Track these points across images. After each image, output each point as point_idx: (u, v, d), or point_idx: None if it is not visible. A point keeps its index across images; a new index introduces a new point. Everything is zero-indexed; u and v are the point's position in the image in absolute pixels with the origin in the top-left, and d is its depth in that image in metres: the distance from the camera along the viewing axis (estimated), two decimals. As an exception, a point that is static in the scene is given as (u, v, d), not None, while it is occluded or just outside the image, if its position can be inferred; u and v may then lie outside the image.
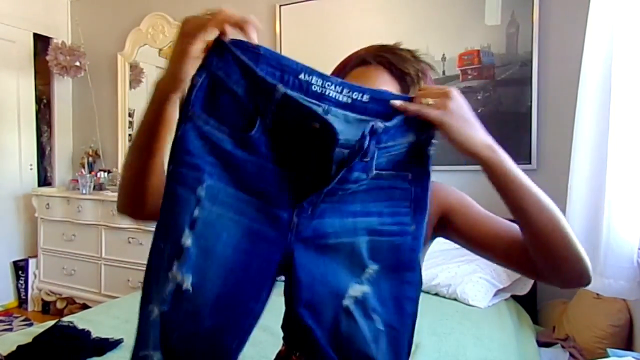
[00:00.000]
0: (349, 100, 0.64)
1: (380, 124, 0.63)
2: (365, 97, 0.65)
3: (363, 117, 0.64)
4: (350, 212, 0.66)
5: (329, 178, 0.62)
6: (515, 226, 0.73)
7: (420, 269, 0.69)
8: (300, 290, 0.63)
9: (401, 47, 0.86)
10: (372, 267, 0.66)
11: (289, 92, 0.62)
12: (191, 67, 0.61)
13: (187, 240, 0.59)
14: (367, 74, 0.81)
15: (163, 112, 0.67)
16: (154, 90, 0.66)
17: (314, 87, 0.63)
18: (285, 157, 0.63)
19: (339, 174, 0.62)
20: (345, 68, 0.86)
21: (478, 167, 0.67)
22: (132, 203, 0.76)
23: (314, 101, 0.63)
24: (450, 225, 0.85)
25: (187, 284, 0.60)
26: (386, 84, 0.80)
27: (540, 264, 0.70)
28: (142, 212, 0.76)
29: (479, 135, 0.71)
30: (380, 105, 0.65)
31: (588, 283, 0.70)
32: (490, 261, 0.85)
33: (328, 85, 0.63)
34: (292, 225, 0.63)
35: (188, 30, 0.61)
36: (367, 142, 0.61)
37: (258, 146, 0.62)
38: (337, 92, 0.63)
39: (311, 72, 0.63)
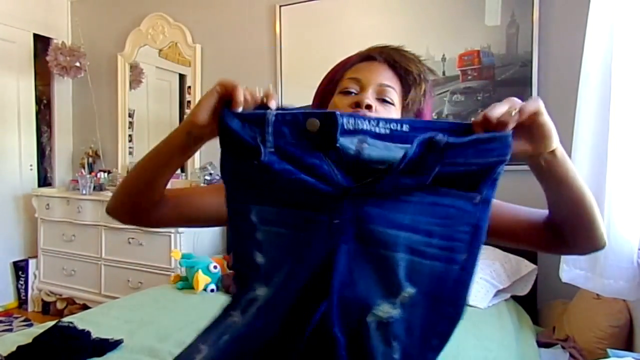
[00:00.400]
0: (388, 131, 0.62)
1: (442, 137, 0.57)
2: (405, 127, 0.62)
3: (408, 146, 0.59)
4: (396, 223, 0.61)
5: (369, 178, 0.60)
6: (524, 207, 0.82)
7: (464, 305, 0.63)
8: (331, 295, 0.60)
9: (404, 48, 0.86)
10: (409, 291, 0.61)
11: (280, 111, 0.64)
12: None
13: (259, 258, 0.67)
14: (371, 68, 0.81)
15: (191, 146, 0.73)
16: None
17: (347, 126, 0.62)
18: (307, 166, 0.62)
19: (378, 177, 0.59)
20: (346, 65, 0.86)
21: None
22: (127, 211, 0.82)
23: (348, 137, 0.62)
24: None
25: (261, 292, 0.65)
26: (389, 80, 0.80)
27: (567, 239, 0.74)
28: (131, 219, 0.82)
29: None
30: (422, 133, 0.59)
31: (604, 247, 0.75)
32: (507, 245, 0.85)
33: (361, 122, 0.62)
34: (334, 227, 0.61)
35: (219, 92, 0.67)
36: (414, 150, 0.57)
37: (272, 167, 0.62)
38: (373, 125, 0.62)
39: (342, 114, 0.62)
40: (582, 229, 0.72)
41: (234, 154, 0.65)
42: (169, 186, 0.82)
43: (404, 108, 0.83)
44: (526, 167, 0.70)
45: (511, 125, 0.59)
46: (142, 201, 0.78)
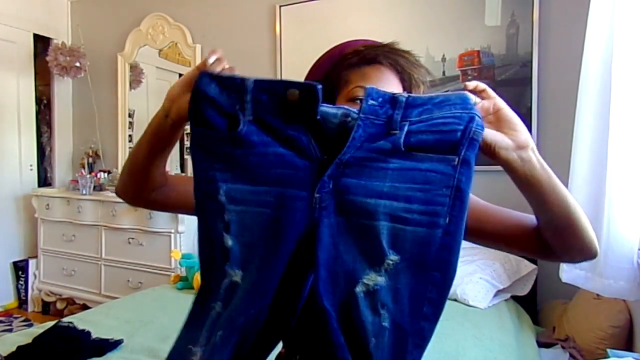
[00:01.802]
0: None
1: (403, 94, 0.61)
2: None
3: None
4: (375, 192, 0.61)
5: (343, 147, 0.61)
6: (515, 212, 0.78)
7: (451, 271, 0.63)
8: (318, 269, 0.60)
9: (401, 47, 0.86)
10: (392, 258, 0.61)
11: (259, 77, 0.64)
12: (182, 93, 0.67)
13: (228, 241, 0.64)
14: (379, 75, 0.81)
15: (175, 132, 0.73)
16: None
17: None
18: (285, 138, 0.62)
19: (352, 142, 0.60)
20: (340, 65, 0.85)
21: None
22: (133, 191, 0.85)
23: (333, 109, 0.63)
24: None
25: (238, 278, 0.63)
26: (395, 87, 0.81)
27: (554, 247, 0.72)
28: (140, 200, 0.86)
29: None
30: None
31: (595, 256, 0.74)
32: (497, 249, 0.83)
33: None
34: (315, 202, 0.61)
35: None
36: (379, 108, 0.60)
37: (249, 138, 0.62)
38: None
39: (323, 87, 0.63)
40: (568, 237, 0.71)
41: (206, 125, 0.63)
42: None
43: None
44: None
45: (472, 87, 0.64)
46: (141, 184, 0.82)
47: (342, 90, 0.83)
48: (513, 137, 0.64)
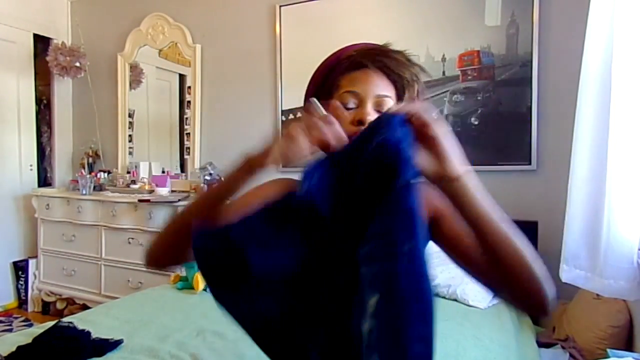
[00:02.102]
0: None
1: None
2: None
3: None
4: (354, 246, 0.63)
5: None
6: None
7: (430, 301, 0.59)
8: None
9: (393, 48, 0.86)
10: (373, 299, 0.59)
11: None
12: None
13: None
14: (366, 79, 0.81)
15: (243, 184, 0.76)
16: (245, 162, 0.76)
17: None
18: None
19: None
20: (336, 69, 0.86)
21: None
22: (170, 259, 0.82)
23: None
24: (437, 230, 0.82)
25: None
26: (385, 88, 0.81)
27: (498, 282, 0.69)
28: (170, 264, 0.84)
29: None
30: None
31: (546, 309, 0.66)
32: (466, 274, 0.77)
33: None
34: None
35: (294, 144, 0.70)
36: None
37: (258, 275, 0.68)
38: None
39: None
40: (510, 277, 0.65)
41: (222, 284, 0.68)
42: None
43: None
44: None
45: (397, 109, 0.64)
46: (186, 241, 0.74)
47: (335, 96, 0.83)
48: (440, 167, 0.64)
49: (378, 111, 0.80)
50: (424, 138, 0.63)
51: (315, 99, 0.71)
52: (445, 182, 0.64)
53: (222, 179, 0.77)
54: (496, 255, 0.65)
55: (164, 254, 0.81)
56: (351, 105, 0.81)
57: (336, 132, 0.67)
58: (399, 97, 0.83)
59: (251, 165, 0.74)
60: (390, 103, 0.81)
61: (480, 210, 0.64)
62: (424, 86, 0.87)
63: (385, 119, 0.63)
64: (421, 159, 0.63)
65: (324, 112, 0.70)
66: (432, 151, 0.63)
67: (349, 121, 0.80)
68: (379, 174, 0.61)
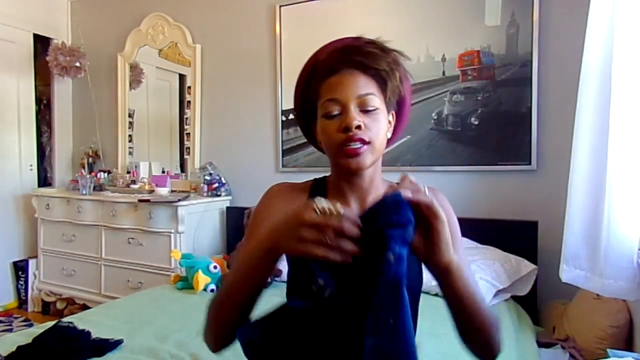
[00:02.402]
0: None
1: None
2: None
3: None
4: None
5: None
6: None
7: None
8: None
9: (365, 40, 0.84)
10: None
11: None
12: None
13: None
14: (343, 82, 0.81)
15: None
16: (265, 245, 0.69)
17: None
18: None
19: None
20: (313, 81, 0.85)
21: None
22: (223, 345, 0.82)
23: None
24: None
25: None
26: (365, 86, 0.81)
27: (463, 334, 0.77)
28: (226, 346, 0.82)
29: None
30: None
31: None
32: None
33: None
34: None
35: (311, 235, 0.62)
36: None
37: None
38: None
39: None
40: (472, 343, 0.77)
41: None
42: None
43: (387, 103, 0.84)
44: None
45: (409, 193, 0.64)
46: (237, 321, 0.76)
47: (319, 105, 0.84)
48: (434, 255, 0.66)
49: (363, 111, 0.80)
50: (423, 224, 0.64)
51: (320, 199, 0.63)
52: (436, 268, 0.68)
53: (239, 269, 0.75)
54: (466, 325, 0.74)
55: (215, 344, 0.83)
56: (335, 112, 0.80)
57: (349, 247, 0.62)
58: (382, 89, 0.83)
59: (267, 255, 0.69)
60: (374, 100, 0.81)
61: (463, 294, 0.70)
62: (405, 70, 0.86)
63: (388, 203, 0.63)
64: (416, 241, 0.65)
65: (337, 210, 0.62)
66: (429, 239, 0.65)
67: (335, 129, 0.80)
68: (376, 249, 0.61)
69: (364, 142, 0.79)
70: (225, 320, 0.77)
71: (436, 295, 2.00)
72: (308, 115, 0.89)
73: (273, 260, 0.68)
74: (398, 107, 0.90)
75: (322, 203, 0.62)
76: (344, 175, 0.87)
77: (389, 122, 0.87)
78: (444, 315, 0.74)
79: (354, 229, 0.61)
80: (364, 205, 0.88)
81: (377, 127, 0.81)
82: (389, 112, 0.86)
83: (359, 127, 0.78)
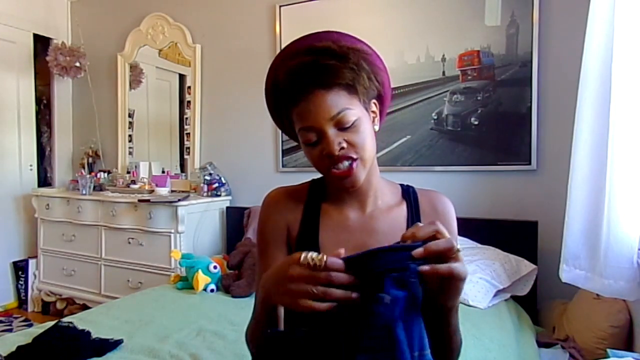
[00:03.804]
0: None
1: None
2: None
3: None
4: None
5: None
6: None
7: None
8: None
9: (319, 49, 0.77)
10: None
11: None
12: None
13: None
14: (312, 108, 0.75)
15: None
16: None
17: None
18: None
19: None
20: (281, 105, 0.82)
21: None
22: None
23: None
24: None
25: None
26: (336, 103, 0.75)
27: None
28: None
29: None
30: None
31: None
32: None
33: None
34: None
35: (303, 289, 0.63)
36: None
37: None
38: None
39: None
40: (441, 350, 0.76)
41: None
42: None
43: (364, 102, 0.80)
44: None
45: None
46: None
47: (296, 130, 0.81)
48: (441, 301, 0.67)
49: (342, 129, 0.76)
50: (440, 274, 0.62)
51: (308, 253, 0.63)
52: (441, 309, 0.70)
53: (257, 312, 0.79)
54: (440, 344, 0.74)
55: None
56: (314, 139, 0.77)
57: (337, 294, 0.62)
58: (354, 94, 0.78)
59: (265, 305, 0.74)
60: (349, 114, 0.76)
61: (453, 324, 0.75)
62: (372, 59, 0.82)
63: (400, 257, 0.61)
64: (431, 286, 0.63)
65: (322, 261, 0.62)
66: (443, 289, 0.65)
67: (318, 156, 0.77)
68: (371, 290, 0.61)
69: (352, 159, 0.77)
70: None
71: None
72: (287, 127, 0.86)
73: (273, 308, 0.72)
74: (378, 91, 0.84)
75: (308, 256, 0.62)
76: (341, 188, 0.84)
77: (373, 112, 0.84)
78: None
79: (343, 276, 0.61)
80: (365, 209, 0.87)
81: (361, 138, 0.77)
82: (369, 104, 0.82)
83: (342, 148, 0.76)
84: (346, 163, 0.77)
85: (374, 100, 0.84)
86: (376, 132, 0.84)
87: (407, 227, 0.85)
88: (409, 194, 0.91)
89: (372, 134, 0.81)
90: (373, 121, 0.83)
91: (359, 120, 0.77)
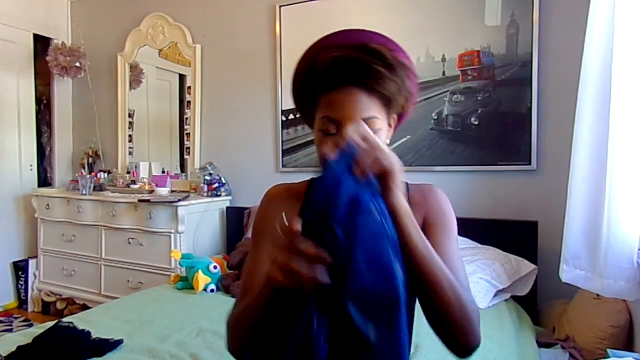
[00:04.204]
0: None
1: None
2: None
3: None
4: None
5: None
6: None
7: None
8: None
9: (372, 50, 0.76)
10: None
11: None
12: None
13: None
14: (344, 103, 0.75)
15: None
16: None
17: None
18: None
19: None
20: (311, 85, 0.81)
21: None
22: (248, 350, 0.81)
23: None
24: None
25: None
26: (367, 108, 0.75)
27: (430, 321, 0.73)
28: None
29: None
30: None
31: (469, 352, 0.72)
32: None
33: None
34: None
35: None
36: None
37: None
38: None
39: None
40: (439, 328, 0.72)
41: None
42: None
43: (389, 117, 0.81)
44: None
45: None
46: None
47: (316, 116, 0.81)
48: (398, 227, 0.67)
49: None
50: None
51: (284, 218, 0.64)
52: (407, 250, 0.67)
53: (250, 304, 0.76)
54: (429, 299, 0.69)
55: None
56: (333, 130, 0.77)
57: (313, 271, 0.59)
58: (386, 107, 0.79)
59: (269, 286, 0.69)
60: (375, 122, 0.76)
61: (430, 272, 0.68)
62: (412, 79, 0.81)
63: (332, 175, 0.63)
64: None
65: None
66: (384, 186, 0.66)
67: (329, 149, 0.76)
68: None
69: None
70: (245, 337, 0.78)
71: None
72: (306, 111, 0.86)
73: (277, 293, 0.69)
74: (403, 110, 0.85)
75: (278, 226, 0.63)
76: None
77: (390, 125, 0.84)
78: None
79: (306, 246, 0.59)
80: None
81: None
82: (392, 118, 0.83)
83: None
84: None
85: (395, 115, 0.85)
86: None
87: None
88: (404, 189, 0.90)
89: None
90: (388, 137, 0.84)
91: (380, 131, 0.78)
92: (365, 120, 0.75)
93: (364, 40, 0.79)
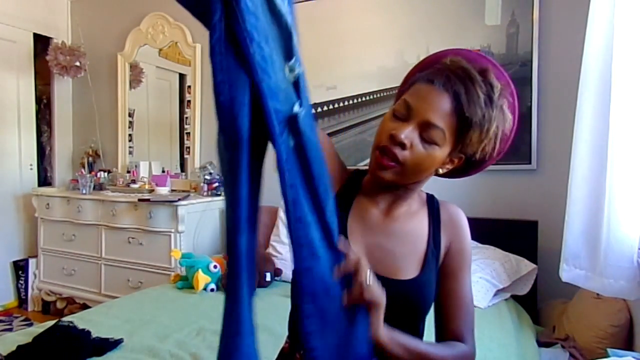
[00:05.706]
0: None
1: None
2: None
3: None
4: None
5: None
6: (461, 312, 0.93)
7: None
8: None
9: (480, 71, 0.77)
10: None
11: None
12: None
13: None
14: (427, 98, 0.75)
15: None
16: None
17: None
18: None
19: None
20: (415, 74, 0.83)
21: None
22: None
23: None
24: (443, 260, 0.91)
25: None
26: (442, 118, 0.74)
27: None
28: None
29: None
30: None
31: None
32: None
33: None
34: None
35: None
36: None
37: None
38: None
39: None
40: None
41: None
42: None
43: (455, 148, 0.79)
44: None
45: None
46: None
47: (402, 96, 0.81)
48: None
49: (421, 136, 0.75)
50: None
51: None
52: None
53: None
54: None
55: None
56: (402, 115, 0.77)
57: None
58: (459, 132, 0.76)
59: None
60: (437, 135, 0.75)
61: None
62: (505, 131, 0.79)
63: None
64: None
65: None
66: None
67: (388, 129, 0.77)
68: None
69: (397, 160, 0.76)
70: None
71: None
72: (399, 96, 0.86)
73: None
74: (472, 154, 0.81)
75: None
76: (371, 173, 0.83)
77: (451, 161, 0.81)
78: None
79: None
80: (392, 212, 0.87)
81: (421, 159, 0.76)
82: (456, 154, 0.80)
83: (403, 145, 0.75)
84: (390, 159, 0.76)
85: (462, 155, 0.82)
86: (434, 173, 0.84)
87: (429, 235, 0.87)
88: (432, 203, 0.91)
89: (430, 170, 0.80)
90: (441, 166, 0.81)
91: (437, 148, 0.76)
92: (431, 125, 0.74)
93: (486, 66, 0.79)
